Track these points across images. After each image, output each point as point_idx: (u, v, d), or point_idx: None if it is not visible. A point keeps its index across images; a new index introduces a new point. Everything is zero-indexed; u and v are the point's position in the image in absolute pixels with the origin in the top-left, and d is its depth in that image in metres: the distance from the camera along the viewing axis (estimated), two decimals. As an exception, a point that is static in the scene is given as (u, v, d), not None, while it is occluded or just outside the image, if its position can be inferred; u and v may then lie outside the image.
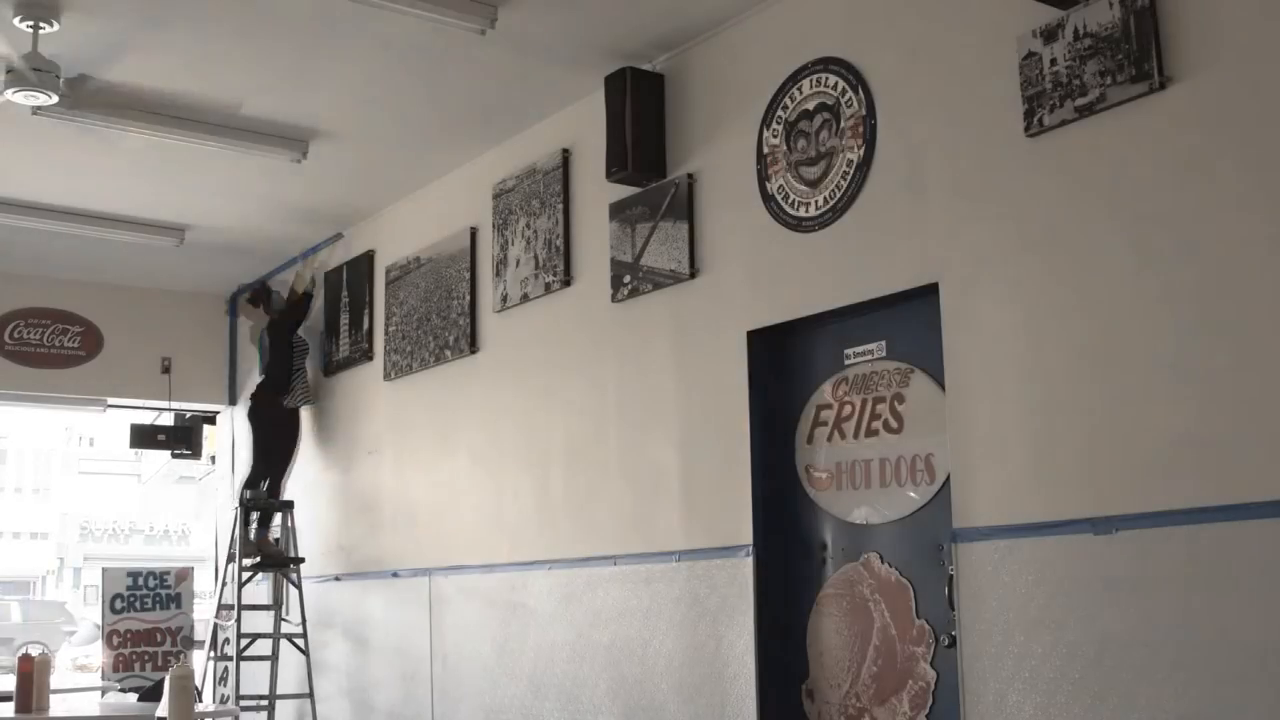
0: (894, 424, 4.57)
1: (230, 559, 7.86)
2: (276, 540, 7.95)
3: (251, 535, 7.81)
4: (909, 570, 4.45)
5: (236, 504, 7.86)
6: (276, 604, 7.70)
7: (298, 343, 8.20)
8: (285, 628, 7.63)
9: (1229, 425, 3.45)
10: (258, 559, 7.76)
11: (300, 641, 7.55)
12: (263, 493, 7.88)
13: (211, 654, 8.16)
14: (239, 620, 7.57)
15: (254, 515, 7.87)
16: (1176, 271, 3.61)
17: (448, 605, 6.77)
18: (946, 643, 4.21)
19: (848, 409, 4.75)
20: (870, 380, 4.68)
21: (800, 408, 4.95)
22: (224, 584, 7.87)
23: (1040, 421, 3.93)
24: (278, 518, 8.00)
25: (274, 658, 7.52)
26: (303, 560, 7.79)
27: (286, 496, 8.10)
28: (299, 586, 7.68)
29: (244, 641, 7.52)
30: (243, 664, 7.61)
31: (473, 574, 6.58)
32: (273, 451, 8.14)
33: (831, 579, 4.74)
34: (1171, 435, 3.58)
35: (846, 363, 4.78)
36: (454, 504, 6.83)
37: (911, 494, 4.47)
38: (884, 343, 4.64)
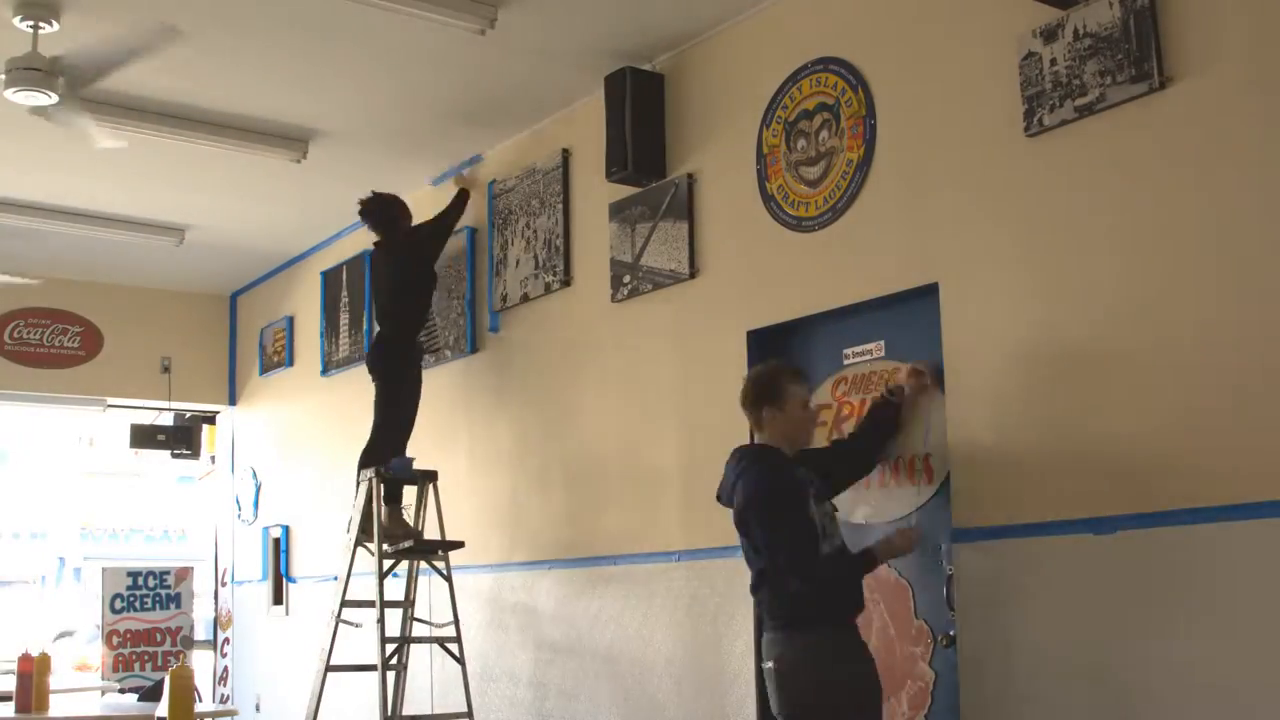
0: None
1: (359, 543, 6.15)
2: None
3: (383, 515, 6.11)
4: (907, 571, 4.44)
5: (369, 475, 6.11)
6: (410, 600, 6.36)
7: (432, 276, 6.53)
8: (421, 630, 6.29)
9: (1230, 425, 3.44)
10: (408, 543, 6.07)
11: (454, 648, 5.97)
12: (406, 460, 6.23)
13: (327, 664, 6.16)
14: (383, 621, 5.86)
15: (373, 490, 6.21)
16: (1176, 272, 3.61)
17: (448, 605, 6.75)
18: (945, 643, 4.20)
19: (847, 409, 4.74)
20: (869, 380, 4.67)
21: (800, 408, 4.94)
22: (350, 575, 6.14)
23: (1040, 421, 3.93)
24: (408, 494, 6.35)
25: (401, 667, 6.32)
26: (460, 544, 6.14)
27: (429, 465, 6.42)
28: (449, 578, 6.08)
29: (389, 648, 5.93)
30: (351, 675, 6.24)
31: (473, 574, 6.57)
32: (395, 412, 6.35)
33: (830, 579, 4.73)
34: (1172, 435, 3.57)
35: (845, 362, 4.78)
36: (454, 504, 6.82)
37: (910, 494, 4.47)
38: (882, 342, 4.64)
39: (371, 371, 6.43)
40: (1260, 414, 3.38)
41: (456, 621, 5.99)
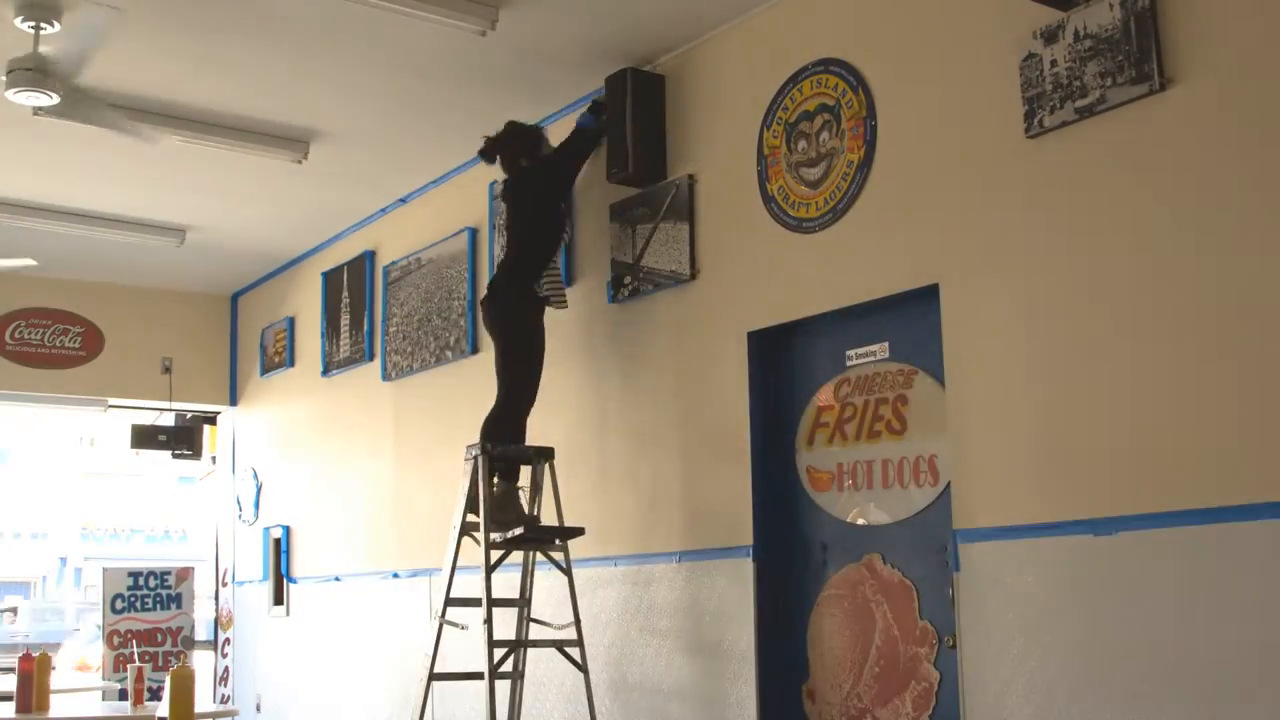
0: (897, 425, 4.57)
1: (465, 533, 5.36)
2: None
3: (497, 496, 5.35)
4: (912, 571, 4.45)
5: (475, 453, 5.30)
6: (525, 599, 5.56)
7: (558, 213, 5.74)
8: (543, 632, 5.44)
9: (1229, 427, 3.44)
10: (517, 530, 5.24)
11: (575, 653, 5.22)
12: (512, 445, 5.43)
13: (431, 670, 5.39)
14: (491, 621, 5.11)
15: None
16: (1177, 273, 3.61)
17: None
18: (950, 644, 4.20)
19: (849, 410, 4.75)
20: (873, 381, 4.68)
21: (801, 409, 4.95)
22: (454, 569, 5.35)
23: (1041, 422, 3.93)
24: (524, 474, 5.53)
25: (518, 675, 5.53)
26: (580, 532, 5.38)
27: (542, 443, 5.58)
28: (569, 571, 5.30)
29: (498, 653, 5.13)
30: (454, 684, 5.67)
31: (473, 574, 6.57)
32: (513, 371, 5.57)
33: (832, 580, 4.74)
34: (1172, 436, 3.57)
35: (848, 364, 4.78)
36: (454, 504, 6.82)
37: (914, 495, 4.47)
38: (886, 344, 4.64)
39: (487, 330, 5.78)
40: (1260, 414, 3.37)
41: (578, 622, 5.22)
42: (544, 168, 5.79)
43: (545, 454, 5.45)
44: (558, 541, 5.34)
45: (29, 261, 7.84)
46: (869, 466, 4.64)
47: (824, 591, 4.76)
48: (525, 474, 5.53)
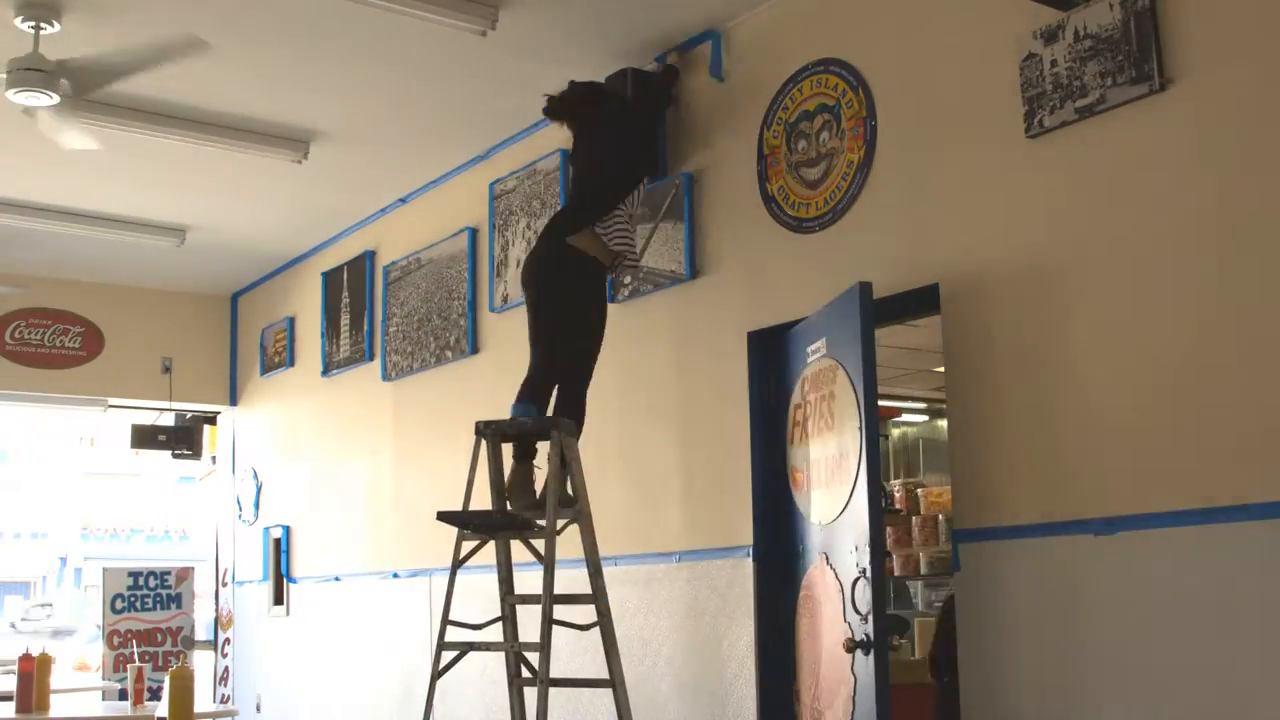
0: (831, 422, 4.39)
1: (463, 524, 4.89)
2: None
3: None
4: (842, 571, 4.24)
5: (481, 430, 4.61)
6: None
7: (635, 164, 4.96)
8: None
9: (1230, 426, 3.44)
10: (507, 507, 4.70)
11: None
12: (529, 410, 4.59)
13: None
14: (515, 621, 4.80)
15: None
16: (1176, 273, 3.61)
17: (448, 605, 6.75)
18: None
19: (808, 408, 4.68)
20: (820, 377, 4.51)
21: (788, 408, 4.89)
22: (455, 570, 4.88)
23: (1040, 422, 3.93)
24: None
25: (516, 677, 4.91)
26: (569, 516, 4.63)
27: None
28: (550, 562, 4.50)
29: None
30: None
31: (473, 574, 6.57)
32: (561, 334, 4.79)
33: (803, 581, 4.67)
34: (1172, 436, 3.57)
35: (807, 361, 4.62)
36: (453, 504, 6.82)
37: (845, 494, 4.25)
38: (824, 341, 4.42)
39: (524, 286, 4.83)
40: (1259, 414, 3.37)
41: (602, 615, 4.62)
42: (623, 118, 5.12)
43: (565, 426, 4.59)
44: (532, 528, 4.79)
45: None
46: (817, 464, 4.50)
47: (800, 593, 4.70)
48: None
